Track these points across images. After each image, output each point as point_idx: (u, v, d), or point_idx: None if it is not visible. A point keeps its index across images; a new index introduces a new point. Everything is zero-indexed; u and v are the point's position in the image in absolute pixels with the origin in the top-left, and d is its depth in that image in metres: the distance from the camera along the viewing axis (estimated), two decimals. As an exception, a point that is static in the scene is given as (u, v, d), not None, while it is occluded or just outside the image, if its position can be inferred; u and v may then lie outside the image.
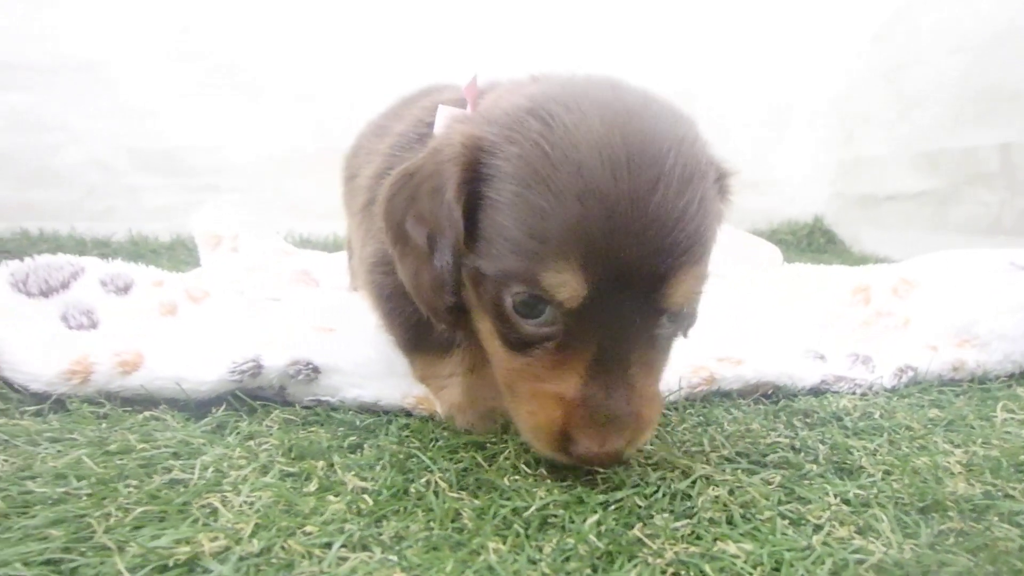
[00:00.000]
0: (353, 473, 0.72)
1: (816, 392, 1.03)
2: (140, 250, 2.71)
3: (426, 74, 2.97)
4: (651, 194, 0.65)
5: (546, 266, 0.65)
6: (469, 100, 0.94)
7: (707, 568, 0.57)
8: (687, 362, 1.00)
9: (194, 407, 0.90)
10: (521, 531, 0.61)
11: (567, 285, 0.65)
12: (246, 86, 3.02)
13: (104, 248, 2.69)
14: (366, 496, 0.67)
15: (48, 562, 0.55)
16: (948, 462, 0.78)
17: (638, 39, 3.21)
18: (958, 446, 0.83)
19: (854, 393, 1.03)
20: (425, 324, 0.96)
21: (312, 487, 0.69)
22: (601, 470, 0.72)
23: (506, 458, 0.77)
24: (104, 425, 0.84)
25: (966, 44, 2.63)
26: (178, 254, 2.68)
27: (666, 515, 0.65)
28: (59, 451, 0.76)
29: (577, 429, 0.67)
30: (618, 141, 0.66)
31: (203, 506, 0.64)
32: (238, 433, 0.83)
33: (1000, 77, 2.50)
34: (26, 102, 2.88)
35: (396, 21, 3.06)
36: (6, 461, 0.73)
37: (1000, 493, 0.70)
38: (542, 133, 0.68)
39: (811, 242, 3.30)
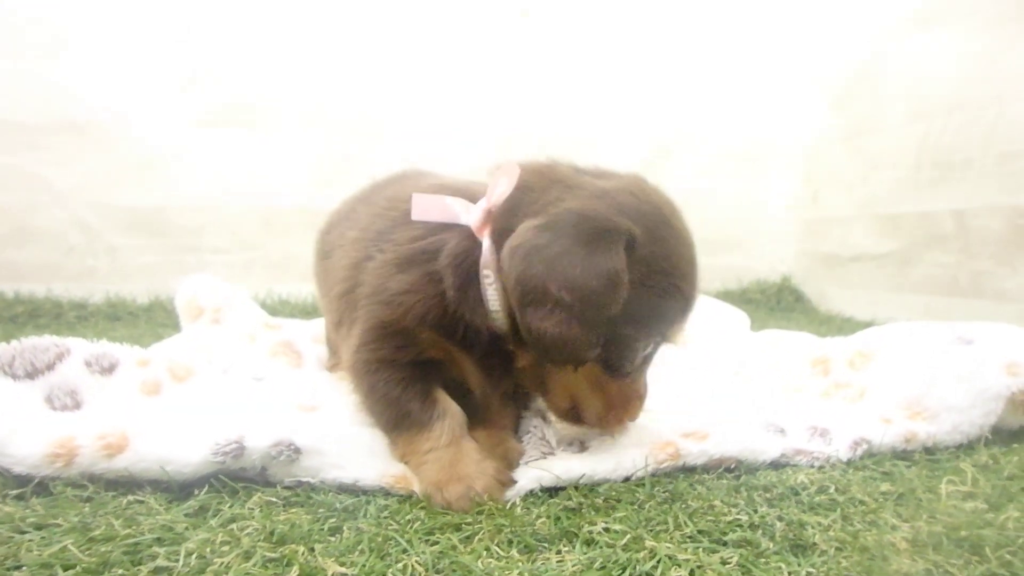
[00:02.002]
0: (333, 558, 0.75)
1: (776, 465, 1.07)
2: (118, 312, 2.73)
3: (409, 135, 3.06)
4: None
5: (676, 324, 1.03)
6: (508, 181, 1.01)
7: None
8: (654, 438, 1.05)
9: (177, 488, 0.92)
10: (493, 617, 0.65)
11: (678, 333, 1.05)
12: (232, 146, 3.07)
13: (81, 310, 2.70)
14: (345, 582, 0.70)
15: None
16: (895, 538, 0.82)
17: (612, 102, 3.33)
18: (906, 521, 0.88)
19: (812, 466, 1.07)
20: (405, 401, 1.01)
21: (294, 573, 0.71)
22: (575, 542, 0.76)
23: (480, 539, 0.81)
24: (87, 509, 0.86)
25: (922, 112, 2.77)
26: (156, 316, 2.70)
27: (630, 597, 0.69)
28: (43, 538, 0.78)
29: (635, 410, 1.08)
30: (692, 242, 1.04)
31: (188, 595, 0.67)
32: (220, 516, 0.85)
33: (953, 144, 2.63)
34: (9, 160, 2.90)
35: (380, 85, 3.15)
36: (-9, 549, 0.75)
37: (941, 570, 0.75)
38: (677, 240, 1.01)
39: (780, 300, 3.39)
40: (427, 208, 1.05)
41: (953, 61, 2.64)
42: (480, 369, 1.08)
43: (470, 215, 1.01)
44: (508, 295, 0.94)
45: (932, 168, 2.72)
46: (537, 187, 1.01)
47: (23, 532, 0.79)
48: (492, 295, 0.99)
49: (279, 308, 2.73)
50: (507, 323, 1.00)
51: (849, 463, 1.10)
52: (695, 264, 1.03)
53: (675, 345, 1.08)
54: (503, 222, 0.99)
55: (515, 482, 0.95)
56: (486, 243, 0.99)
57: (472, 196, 1.05)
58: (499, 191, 1.00)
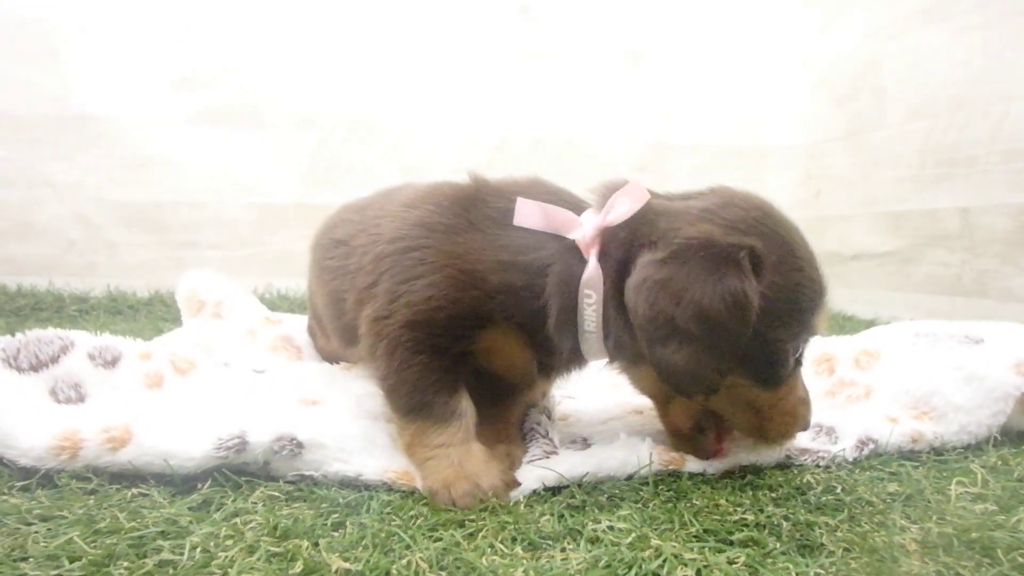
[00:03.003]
0: (337, 554, 0.74)
1: (781, 465, 1.07)
2: (118, 306, 2.72)
3: (406, 133, 3.06)
4: None
5: (818, 313, 1.01)
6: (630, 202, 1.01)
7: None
8: (659, 442, 1.04)
9: (180, 482, 0.92)
10: (499, 614, 0.64)
11: (824, 320, 1.03)
12: (231, 142, 3.07)
13: (82, 304, 2.70)
14: (350, 578, 0.70)
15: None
16: (904, 539, 0.82)
17: (611, 101, 3.32)
18: (914, 522, 0.87)
19: (818, 466, 1.07)
20: (430, 392, 0.99)
21: (298, 568, 0.71)
22: (579, 540, 0.76)
23: (484, 536, 0.80)
24: (92, 502, 0.86)
25: (925, 109, 2.76)
26: (156, 310, 2.70)
27: (637, 596, 0.69)
28: (49, 530, 0.78)
29: (806, 414, 1.06)
30: (799, 228, 1.05)
31: (193, 589, 0.67)
32: (224, 510, 0.85)
33: (957, 141, 2.62)
34: (10, 155, 2.90)
35: (377, 83, 3.14)
36: (-3, 541, 0.75)
37: (952, 572, 0.75)
38: (789, 239, 1.00)
39: (782, 299, 3.38)
40: (529, 215, 1.02)
41: (957, 58, 2.62)
42: (534, 369, 1.08)
43: (581, 230, 0.99)
44: (636, 332, 0.93)
45: (936, 166, 2.71)
46: (650, 215, 0.99)
47: (29, 524, 0.79)
48: (591, 315, 0.98)
49: (277, 303, 2.72)
50: (599, 347, 1.01)
51: (855, 463, 1.10)
52: (810, 247, 1.03)
53: (822, 335, 1.07)
54: (616, 245, 0.98)
55: (519, 483, 0.95)
56: (592, 261, 0.97)
57: (573, 206, 1.06)
58: (618, 211, 0.99)
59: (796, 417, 1.03)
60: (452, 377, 1.01)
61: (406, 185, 1.32)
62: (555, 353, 1.03)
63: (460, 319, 1.01)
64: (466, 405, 1.01)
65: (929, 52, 2.76)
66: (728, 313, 0.89)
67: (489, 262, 1.01)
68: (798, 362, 1.03)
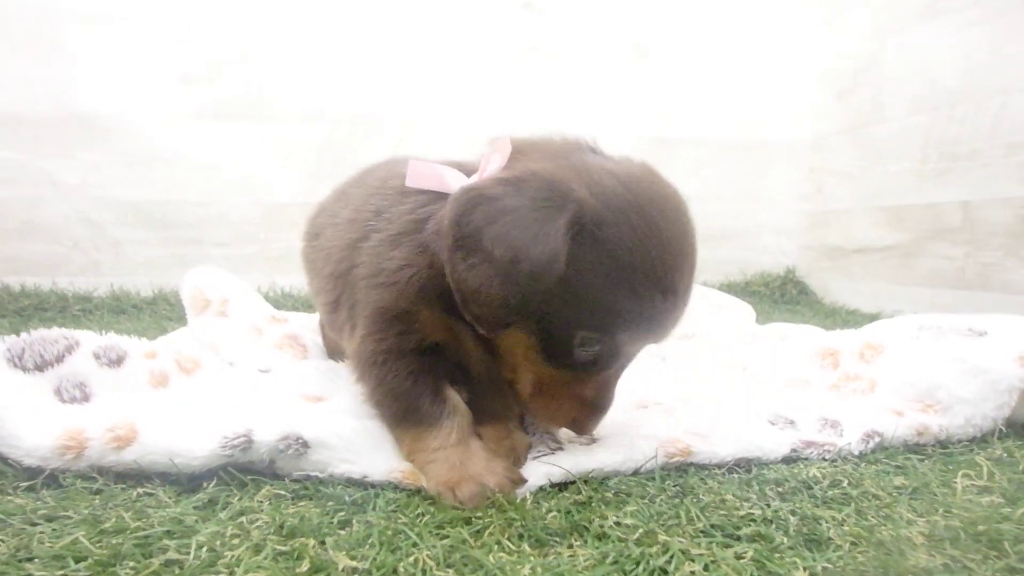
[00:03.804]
0: (344, 552, 0.74)
1: (787, 459, 1.07)
2: (122, 305, 2.72)
3: (411, 131, 3.06)
4: (688, 279, 0.94)
5: (627, 331, 0.91)
6: (498, 153, 0.99)
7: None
8: (663, 436, 1.04)
9: (185, 481, 0.92)
10: (507, 611, 0.64)
11: (635, 343, 0.95)
12: (235, 141, 3.07)
13: (86, 303, 2.70)
14: (357, 576, 0.70)
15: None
16: (911, 533, 0.82)
17: (615, 94, 3.31)
18: (921, 515, 0.87)
19: (824, 459, 1.07)
20: (414, 396, 1.00)
21: (304, 567, 0.71)
22: (587, 537, 0.76)
23: (491, 534, 0.80)
24: (97, 501, 0.86)
25: (927, 103, 2.76)
26: (160, 309, 2.70)
27: (645, 592, 0.69)
28: (55, 530, 0.77)
29: (586, 419, 0.99)
30: (681, 243, 0.92)
31: (200, 589, 0.67)
32: (230, 509, 0.85)
33: (959, 135, 2.61)
34: (14, 155, 2.91)
35: (382, 82, 3.14)
36: (3, 542, 0.74)
37: (959, 565, 0.75)
38: (644, 232, 0.88)
39: (784, 293, 3.38)
40: (422, 174, 1.02)
41: (958, 52, 2.62)
42: (483, 350, 1.05)
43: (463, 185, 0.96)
44: (441, 238, 0.89)
45: (938, 159, 2.70)
46: (525, 152, 0.97)
47: (34, 524, 0.79)
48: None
49: (282, 301, 2.72)
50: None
51: (861, 456, 1.09)
52: (668, 275, 0.90)
53: (631, 358, 0.98)
54: None
55: (525, 480, 0.94)
56: None
57: (469, 171, 1.03)
58: (492, 166, 0.97)
59: (564, 409, 0.98)
60: (431, 379, 1.02)
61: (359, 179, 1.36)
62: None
63: (397, 314, 1.02)
64: (455, 404, 1.01)
65: (930, 46, 2.76)
66: (536, 255, 0.84)
67: (390, 242, 1.03)
68: (597, 363, 0.94)
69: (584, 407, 0.98)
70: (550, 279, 0.85)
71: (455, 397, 1.03)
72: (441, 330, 1.03)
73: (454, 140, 3.08)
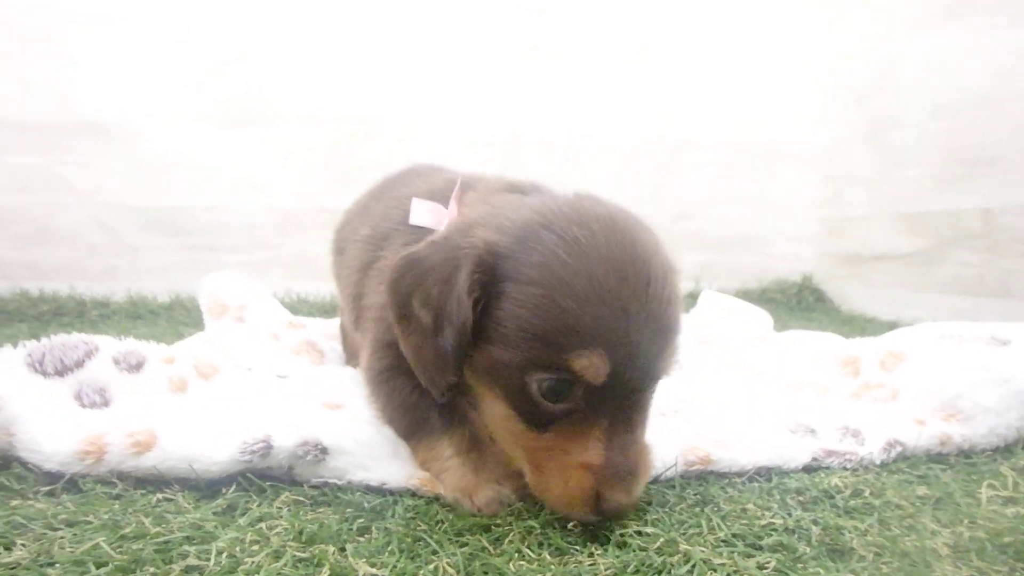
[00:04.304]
0: (364, 559, 0.74)
1: (808, 468, 1.06)
2: (139, 311, 2.74)
3: (425, 137, 3.07)
4: (647, 290, 0.82)
5: (578, 354, 0.78)
6: (454, 201, 1.00)
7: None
8: (683, 444, 1.03)
9: (204, 487, 0.92)
10: (528, 621, 0.64)
11: (595, 367, 0.79)
12: (250, 147, 3.09)
13: (103, 308, 2.72)
14: (377, 584, 0.69)
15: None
16: (936, 544, 0.80)
17: (628, 101, 3.31)
18: (945, 526, 0.86)
19: (845, 469, 1.06)
20: (423, 407, 1.00)
21: (325, 573, 0.71)
22: (607, 546, 0.75)
23: (511, 541, 0.80)
24: (117, 506, 0.86)
25: (947, 109, 2.73)
26: (176, 315, 2.71)
27: (667, 602, 0.68)
28: (75, 535, 0.78)
29: (608, 490, 0.80)
30: (618, 251, 0.83)
31: (220, 595, 0.67)
32: (249, 515, 0.85)
33: (980, 141, 2.59)
34: (32, 161, 2.94)
35: (396, 87, 3.15)
36: (24, 547, 0.75)
37: (986, 577, 0.74)
38: (559, 246, 0.81)
39: (800, 300, 3.36)
40: (422, 213, 1.05)
41: (979, 55, 2.59)
42: None
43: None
44: (388, 311, 0.92)
45: (958, 165, 2.68)
46: (466, 202, 1.02)
47: (55, 529, 0.79)
48: None
49: (298, 307, 2.73)
50: None
51: (883, 466, 1.08)
52: (606, 281, 0.80)
53: (629, 398, 0.82)
54: None
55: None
56: None
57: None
58: (453, 206, 1.01)
59: (573, 485, 0.81)
60: None
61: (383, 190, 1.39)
62: None
63: (393, 341, 1.02)
64: (465, 412, 1.01)
65: (951, 50, 2.74)
66: (447, 311, 0.83)
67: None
68: (587, 412, 0.82)
69: (599, 474, 0.80)
70: (456, 329, 0.82)
71: (463, 405, 1.02)
72: None
73: (468, 146, 3.11)
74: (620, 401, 0.82)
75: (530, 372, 0.81)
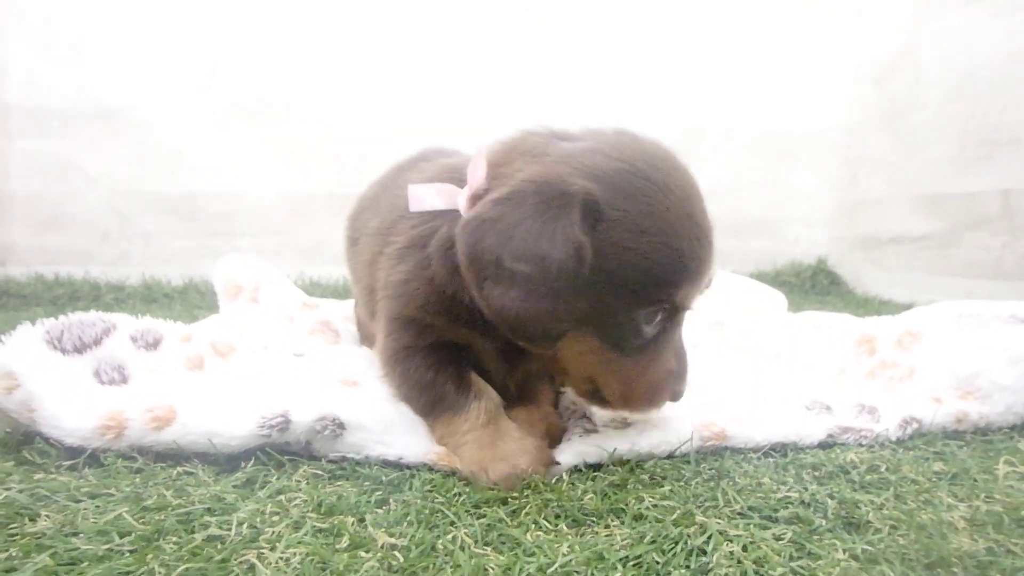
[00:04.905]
0: (383, 529, 0.75)
1: (823, 444, 1.06)
2: (153, 294, 2.76)
3: (437, 122, 3.06)
4: (706, 217, 0.96)
5: (677, 288, 0.92)
6: (481, 161, 0.99)
7: (725, 625, 0.59)
8: (698, 419, 1.03)
9: (224, 461, 0.93)
10: (546, 588, 0.64)
11: (691, 295, 0.95)
12: (262, 133, 3.10)
13: (118, 292, 2.74)
14: (396, 553, 0.70)
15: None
16: (952, 517, 0.80)
17: (644, 85, 3.29)
18: (962, 500, 0.86)
19: (860, 445, 1.06)
20: (439, 384, 1.01)
21: (344, 543, 0.72)
22: (624, 517, 0.76)
23: (527, 513, 0.80)
24: (139, 480, 0.87)
25: (966, 90, 2.70)
26: (191, 298, 2.73)
27: (683, 571, 0.68)
28: (98, 507, 0.79)
29: (677, 383, 0.99)
30: (689, 188, 0.95)
31: (242, 562, 0.67)
32: (268, 488, 0.86)
33: (999, 123, 2.56)
34: (46, 148, 2.96)
35: (407, 71, 3.14)
36: (48, 517, 0.76)
37: (1003, 549, 0.73)
38: (652, 193, 0.90)
39: (815, 283, 3.34)
40: (422, 198, 1.05)
41: (997, 38, 2.56)
42: (495, 351, 1.07)
43: (461, 200, 0.99)
44: (463, 273, 0.90)
45: (976, 147, 2.65)
46: (504, 162, 0.98)
47: (78, 501, 0.80)
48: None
49: (311, 290, 2.74)
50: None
51: (899, 442, 1.08)
52: (692, 217, 0.92)
53: (689, 310, 0.97)
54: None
55: (557, 462, 0.94)
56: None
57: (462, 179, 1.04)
58: (478, 174, 0.98)
59: (659, 388, 0.97)
60: (453, 368, 1.05)
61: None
62: (486, 323, 0.93)
63: (409, 318, 1.07)
64: (481, 388, 1.03)
65: (969, 33, 2.70)
66: (558, 256, 0.83)
67: (398, 255, 1.09)
68: (663, 335, 0.95)
69: (672, 376, 0.98)
70: (580, 274, 0.85)
71: (480, 382, 1.04)
72: (454, 335, 1.06)
73: (475, 133, 3.10)
74: (682, 316, 0.98)
75: (638, 308, 0.91)
